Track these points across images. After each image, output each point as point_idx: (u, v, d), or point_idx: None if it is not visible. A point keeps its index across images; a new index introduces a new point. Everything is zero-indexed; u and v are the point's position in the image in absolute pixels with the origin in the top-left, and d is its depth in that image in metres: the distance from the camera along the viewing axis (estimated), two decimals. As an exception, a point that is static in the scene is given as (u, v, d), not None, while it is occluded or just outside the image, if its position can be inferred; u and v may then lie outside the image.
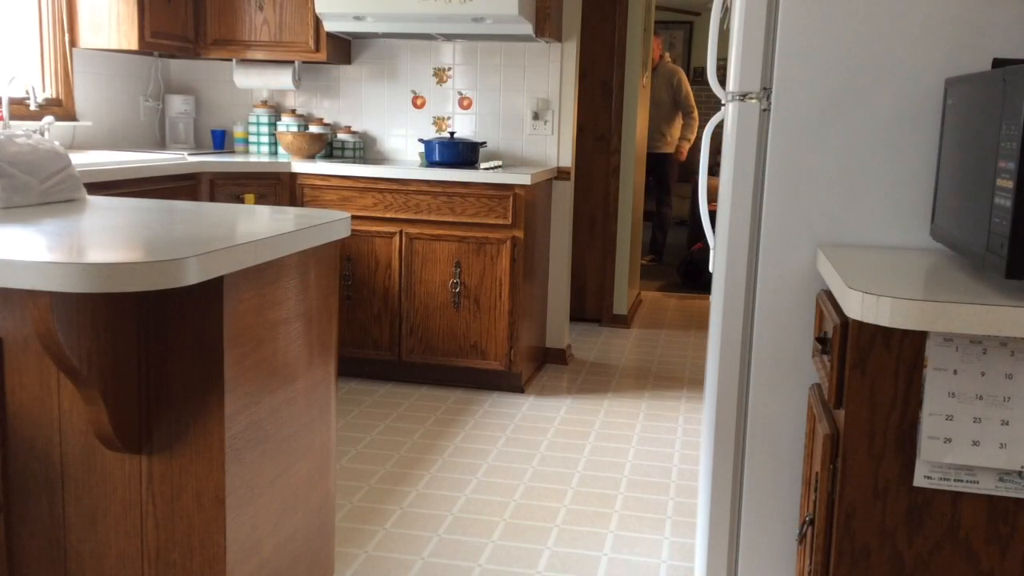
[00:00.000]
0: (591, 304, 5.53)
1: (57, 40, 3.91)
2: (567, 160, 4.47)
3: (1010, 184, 1.22)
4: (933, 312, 1.23)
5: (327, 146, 4.53)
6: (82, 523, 1.66)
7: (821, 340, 1.61)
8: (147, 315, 1.57)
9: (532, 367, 4.32)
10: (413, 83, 4.52)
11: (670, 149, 7.01)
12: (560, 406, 3.94)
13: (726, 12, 2.05)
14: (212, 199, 3.93)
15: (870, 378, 1.36)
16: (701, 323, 5.68)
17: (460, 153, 4.09)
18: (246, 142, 4.64)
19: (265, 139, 4.60)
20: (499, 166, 4.16)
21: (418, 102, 4.53)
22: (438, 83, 4.49)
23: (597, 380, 4.37)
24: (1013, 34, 1.72)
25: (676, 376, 4.50)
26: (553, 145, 4.45)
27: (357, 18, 4.04)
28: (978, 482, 1.35)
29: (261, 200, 4.04)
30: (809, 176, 1.83)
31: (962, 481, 1.35)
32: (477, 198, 3.91)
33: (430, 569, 2.49)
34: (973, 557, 1.37)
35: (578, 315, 5.50)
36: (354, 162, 4.22)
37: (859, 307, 1.28)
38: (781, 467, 1.92)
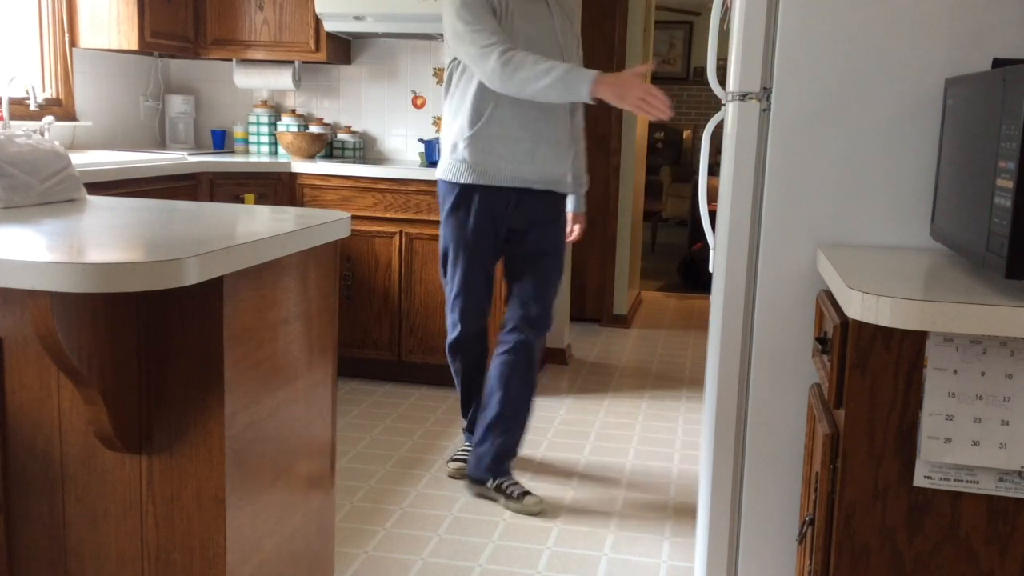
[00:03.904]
0: (591, 304, 5.53)
1: (57, 40, 3.91)
2: (567, 160, 4.46)
3: (1010, 184, 1.22)
4: (933, 312, 1.23)
5: (327, 146, 4.53)
6: (82, 523, 1.66)
7: (821, 340, 1.61)
8: (147, 315, 1.57)
9: (532, 367, 4.31)
10: (413, 83, 4.52)
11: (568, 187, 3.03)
12: (560, 406, 3.94)
13: (726, 12, 2.05)
14: (212, 199, 3.93)
15: (870, 378, 1.36)
16: (701, 323, 5.68)
17: (460, 153, 4.08)
18: (246, 142, 4.64)
19: (265, 139, 4.60)
20: (499, 166, 4.15)
21: (418, 102, 4.53)
22: (438, 83, 4.49)
23: (597, 380, 4.37)
24: (1013, 34, 1.72)
25: (676, 376, 4.50)
26: (553, 145, 4.45)
27: (357, 18, 4.04)
28: (978, 482, 1.35)
29: (261, 200, 4.04)
30: (809, 176, 1.83)
31: (962, 481, 1.35)
32: (477, 198, 3.90)
33: (430, 569, 2.49)
34: (973, 557, 1.37)
35: (578, 315, 5.50)
36: (354, 162, 4.22)
37: (859, 307, 1.28)
38: (781, 467, 1.92)
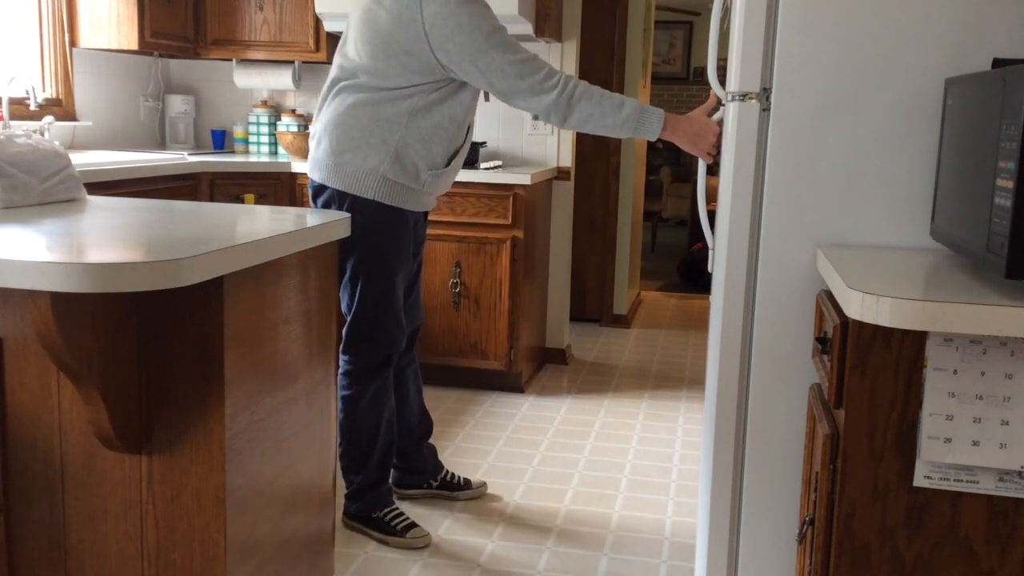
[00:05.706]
0: (591, 304, 5.53)
1: (57, 40, 3.91)
2: (567, 160, 4.47)
3: (1010, 184, 1.22)
4: (933, 312, 1.23)
5: (327, 146, 4.52)
6: (82, 523, 1.66)
7: (821, 340, 1.61)
8: (147, 315, 1.57)
9: (532, 367, 4.32)
10: (413, 83, 4.51)
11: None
12: (560, 406, 3.94)
13: (726, 12, 2.05)
14: (212, 199, 3.93)
15: (870, 378, 1.36)
16: (701, 323, 5.69)
17: (460, 153, 4.08)
18: (246, 142, 4.64)
19: (265, 139, 4.60)
20: (499, 166, 4.15)
21: (418, 102, 4.52)
22: (438, 83, 4.49)
23: (597, 380, 4.37)
24: (1013, 34, 1.72)
25: (676, 376, 4.50)
26: (553, 145, 4.45)
27: (357, 18, 4.03)
28: (978, 482, 1.35)
29: (261, 200, 4.04)
30: (809, 176, 1.83)
31: (962, 481, 1.35)
32: (477, 198, 3.91)
33: (430, 569, 2.49)
34: (973, 557, 1.37)
35: (578, 315, 5.50)
36: (354, 162, 4.21)
37: (859, 307, 1.28)
38: (781, 467, 1.92)
